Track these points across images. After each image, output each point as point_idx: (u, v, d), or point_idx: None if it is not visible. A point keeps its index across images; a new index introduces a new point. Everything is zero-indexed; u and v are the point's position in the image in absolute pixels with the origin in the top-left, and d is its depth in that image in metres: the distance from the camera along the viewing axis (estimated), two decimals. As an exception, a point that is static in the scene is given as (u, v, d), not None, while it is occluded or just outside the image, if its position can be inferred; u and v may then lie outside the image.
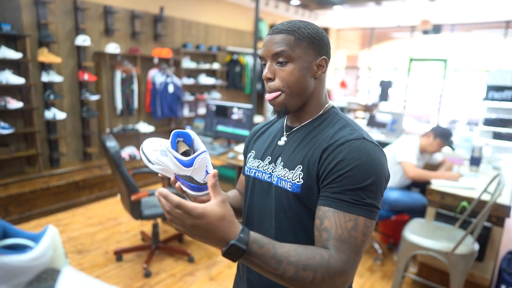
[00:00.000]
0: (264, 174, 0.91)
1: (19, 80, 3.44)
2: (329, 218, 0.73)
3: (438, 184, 2.47)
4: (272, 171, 0.89)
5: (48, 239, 0.40)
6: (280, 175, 0.86)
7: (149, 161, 0.87)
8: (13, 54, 3.37)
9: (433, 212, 2.45)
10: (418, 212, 2.74)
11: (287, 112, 0.86)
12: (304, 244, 0.80)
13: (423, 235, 2.11)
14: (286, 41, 0.81)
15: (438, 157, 2.95)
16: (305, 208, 0.82)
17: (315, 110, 0.89)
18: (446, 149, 2.91)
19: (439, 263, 2.40)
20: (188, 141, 0.82)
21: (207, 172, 0.79)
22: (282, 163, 0.87)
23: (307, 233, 0.84)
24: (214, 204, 0.65)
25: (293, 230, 0.85)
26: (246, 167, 0.99)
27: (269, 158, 0.92)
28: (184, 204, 0.63)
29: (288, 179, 0.83)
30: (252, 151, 1.00)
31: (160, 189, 0.66)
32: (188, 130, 0.82)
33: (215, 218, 0.64)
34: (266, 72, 0.84)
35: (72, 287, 0.33)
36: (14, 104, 3.45)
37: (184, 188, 0.83)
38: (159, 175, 0.88)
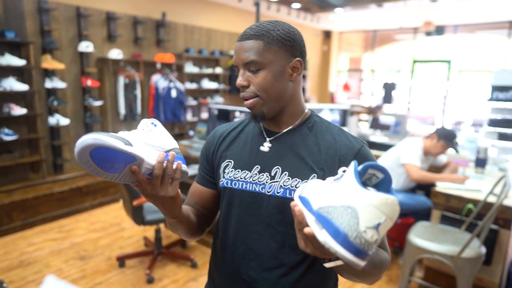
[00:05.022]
0: (254, 185, 0.86)
1: (22, 87, 3.46)
2: None
3: (443, 186, 2.43)
4: (266, 182, 0.85)
5: None
6: (289, 186, 0.83)
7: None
8: (17, 61, 3.40)
9: (439, 215, 2.41)
10: (423, 215, 2.71)
11: (265, 117, 0.84)
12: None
13: (428, 239, 2.07)
14: (255, 48, 0.79)
15: (442, 159, 2.91)
16: None
17: (297, 113, 0.89)
18: (451, 150, 2.88)
19: (445, 267, 2.36)
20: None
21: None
22: (286, 172, 0.84)
23: None
24: None
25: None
26: (224, 179, 0.90)
27: (257, 167, 0.87)
28: None
29: None
30: (228, 160, 0.91)
31: None
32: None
33: None
34: (240, 80, 0.82)
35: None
36: (18, 110, 3.48)
37: None
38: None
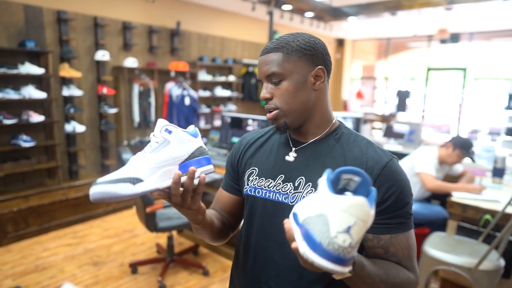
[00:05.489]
0: (277, 194, 0.86)
1: (41, 95, 3.56)
2: (393, 245, 0.78)
3: (459, 196, 2.38)
4: (290, 191, 0.84)
5: None
6: None
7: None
8: (36, 70, 3.50)
9: (455, 226, 2.36)
10: (439, 225, 2.65)
11: (288, 127, 0.85)
12: None
13: (444, 250, 2.02)
14: (275, 61, 0.81)
15: (458, 168, 2.86)
16: None
17: (323, 123, 0.87)
18: (467, 160, 2.82)
19: (462, 279, 2.29)
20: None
21: None
22: (309, 183, 0.83)
23: None
24: None
25: None
26: (248, 186, 0.92)
27: (281, 177, 0.86)
28: None
29: None
30: (253, 168, 0.92)
31: None
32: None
33: None
34: (263, 93, 0.84)
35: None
36: (36, 117, 3.57)
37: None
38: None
